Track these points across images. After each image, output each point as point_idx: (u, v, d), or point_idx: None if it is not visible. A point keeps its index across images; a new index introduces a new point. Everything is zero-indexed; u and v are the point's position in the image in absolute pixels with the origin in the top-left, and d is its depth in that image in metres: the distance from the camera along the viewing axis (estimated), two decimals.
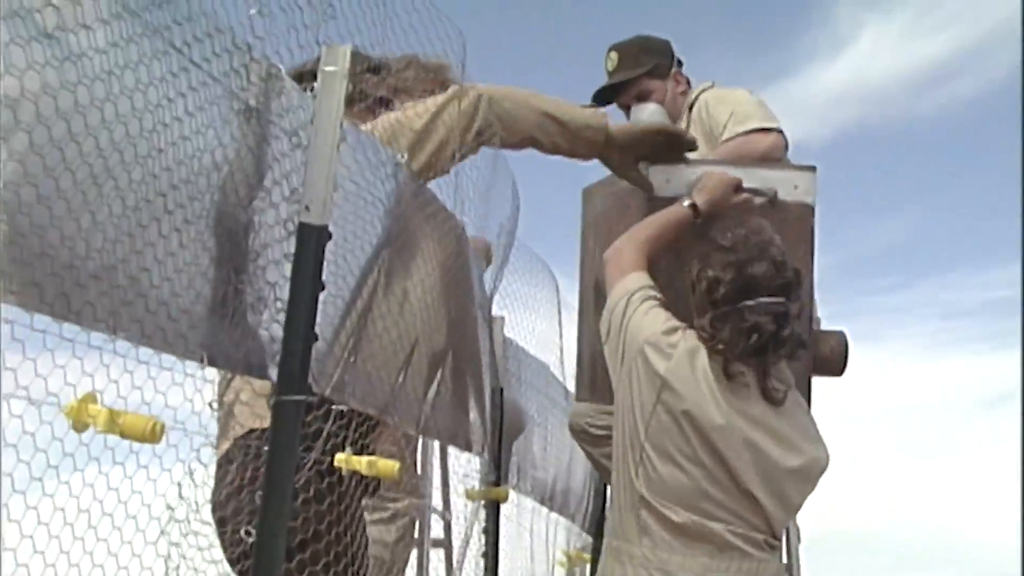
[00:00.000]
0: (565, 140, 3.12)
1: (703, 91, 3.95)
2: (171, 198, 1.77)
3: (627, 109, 3.95)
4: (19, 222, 1.44)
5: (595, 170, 3.35)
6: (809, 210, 3.31)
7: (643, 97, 3.93)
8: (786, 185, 3.30)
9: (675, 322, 2.86)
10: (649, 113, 3.79)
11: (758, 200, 3.26)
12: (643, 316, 2.85)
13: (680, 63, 4.08)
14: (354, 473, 2.44)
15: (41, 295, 1.51)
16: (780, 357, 2.85)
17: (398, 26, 2.68)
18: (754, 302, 2.76)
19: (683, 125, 3.93)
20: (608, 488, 3.04)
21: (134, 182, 1.65)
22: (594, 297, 3.47)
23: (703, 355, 2.80)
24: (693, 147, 3.33)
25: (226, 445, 2.57)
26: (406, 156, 2.76)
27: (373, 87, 2.94)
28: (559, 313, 4.93)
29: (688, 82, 4.05)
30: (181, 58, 1.75)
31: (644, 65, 3.96)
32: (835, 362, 3.46)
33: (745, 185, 3.25)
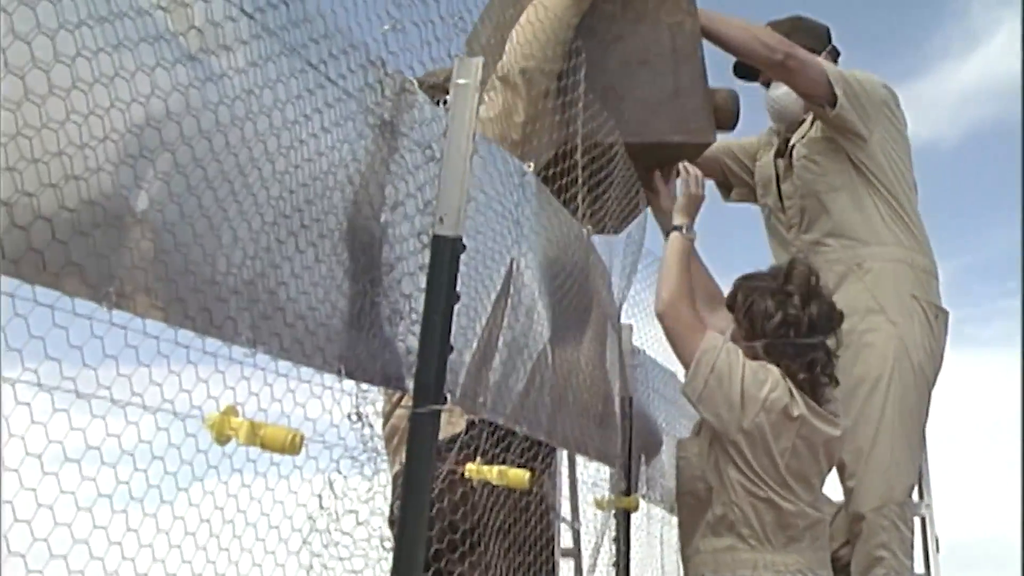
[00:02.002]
0: None
1: None
2: (307, 213, 1.79)
3: (767, 85, 3.93)
4: (164, 240, 1.47)
5: None
6: None
7: None
8: None
9: (769, 366, 3.09)
10: (783, 92, 3.83)
11: None
12: (752, 374, 3.04)
13: (837, 52, 4.01)
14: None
15: (185, 310, 1.55)
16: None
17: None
18: (814, 340, 3.08)
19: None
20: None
21: (272, 198, 1.68)
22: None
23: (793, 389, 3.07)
24: None
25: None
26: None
27: None
28: None
29: None
30: (317, 75, 1.78)
31: None
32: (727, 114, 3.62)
33: None
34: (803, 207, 3.90)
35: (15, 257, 1.25)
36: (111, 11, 1.31)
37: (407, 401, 2.70)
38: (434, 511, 2.26)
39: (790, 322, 3.08)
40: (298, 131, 1.72)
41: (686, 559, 3.17)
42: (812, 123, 3.91)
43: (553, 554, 2.84)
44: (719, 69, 3.84)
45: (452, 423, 2.51)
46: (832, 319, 3.13)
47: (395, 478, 2.63)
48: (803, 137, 3.91)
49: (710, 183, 4.14)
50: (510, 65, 3.14)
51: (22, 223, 1.25)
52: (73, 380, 1.45)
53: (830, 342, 3.12)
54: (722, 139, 4.22)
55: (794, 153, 3.90)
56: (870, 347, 3.54)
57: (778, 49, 3.64)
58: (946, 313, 3.85)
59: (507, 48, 3.19)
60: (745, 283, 3.24)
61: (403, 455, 2.61)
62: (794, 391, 3.02)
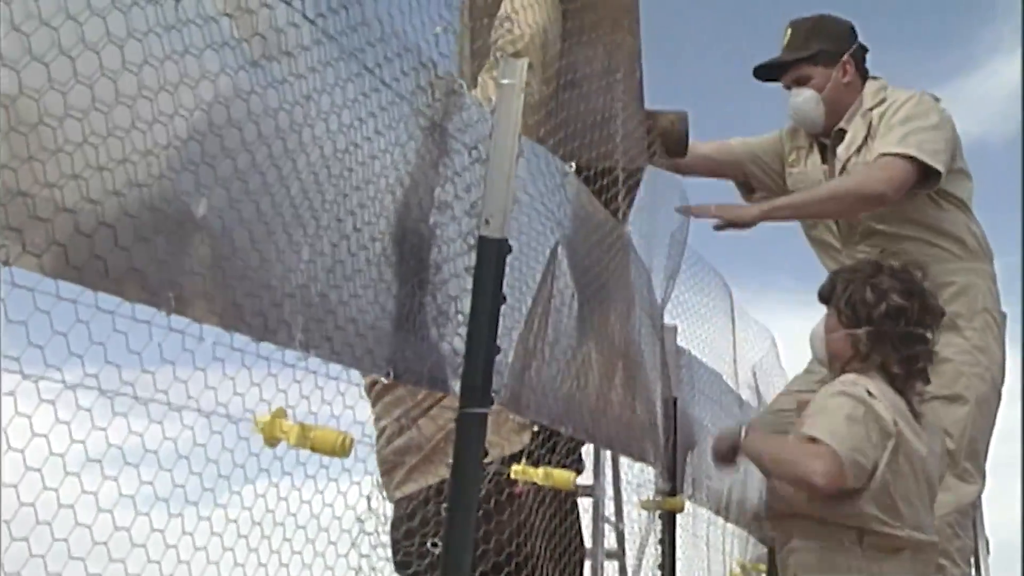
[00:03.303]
0: None
1: (885, 94, 3.80)
2: (360, 216, 1.79)
3: (789, 88, 3.88)
4: (222, 245, 1.47)
5: None
6: None
7: (801, 82, 3.83)
8: None
9: (855, 387, 2.99)
10: (803, 99, 3.77)
11: None
12: (859, 424, 2.93)
13: (863, 50, 3.93)
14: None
15: (241, 315, 1.55)
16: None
17: None
18: (918, 331, 3.06)
19: (851, 118, 3.81)
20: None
21: (327, 202, 1.68)
22: None
23: (888, 391, 2.99)
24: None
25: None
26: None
27: None
28: (732, 322, 4.86)
29: (862, 73, 3.90)
30: (373, 79, 1.77)
31: (808, 50, 3.83)
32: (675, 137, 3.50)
33: None
34: (867, 225, 3.81)
35: (79, 264, 1.25)
36: (179, 18, 1.31)
37: (402, 436, 2.63)
38: (492, 526, 2.25)
39: (894, 311, 3.04)
40: (353, 135, 1.72)
41: (783, 561, 3.13)
42: (866, 138, 3.80)
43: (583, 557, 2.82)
44: (673, 91, 3.79)
45: (507, 439, 2.48)
46: (935, 313, 3.11)
47: (399, 503, 2.53)
48: (857, 151, 3.80)
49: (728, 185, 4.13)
50: (523, 33, 2.91)
51: (86, 230, 1.25)
52: (132, 385, 1.46)
53: (929, 335, 3.10)
54: (741, 140, 4.15)
55: (849, 170, 3.79)
56: (946, 363, 3.51)
57: (879, 195, 3.59)
58: (1005, 316, 3.83)
59: (501, 20, 2.95)
60: (842, 274, 3.22)
61: (408, 485, 2.53)
62: (885, 402, 2.96)
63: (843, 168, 3.79)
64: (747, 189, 4.23)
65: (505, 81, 2.24)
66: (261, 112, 1.48)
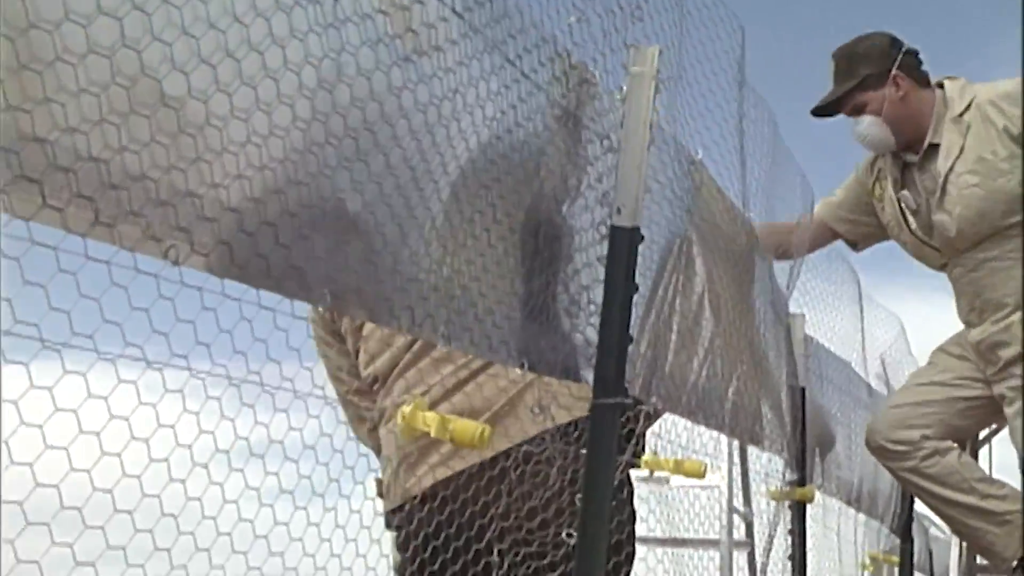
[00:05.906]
0: None
1: (974, 91, 3.68)
2: (500, 208, 1.79)
3: (852, 115, 3.79)
4: (374, 240, 1.49)
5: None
6: None
7: (858, 110, 3.73)
8: None
9: None
10: (865, 126, 3.68)
11: None
12: None
13: (913, 53, 3.79)
14: None
15: (391, 309, 1.56)
16: None
17: (691, 24, 2.64)
18: None
19: (938, 127, 3.68)
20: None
21: (471, 194, 1.68)
22: None
23: None
24: None
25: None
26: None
27: None
28: (860, 309, 4.77)
29: (918, 78, 3.77)
30: (514, 71, 1.77)
31: (855, 77, 3.72)
32: None
33: None
34: (976, 231, 3.65)
35: (243, 262, 1.27)
36: (336, 17, 1.33)
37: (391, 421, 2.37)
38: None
39: None
40: (496, 127, 1.72)
41: None
42: (963, 146, 3.64)
43: None
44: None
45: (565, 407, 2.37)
46: None
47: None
48: (957, 157, 3.62)
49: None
50: None
51: (250, 229, 1.27)
52: (258, 373, 1.46)
53: None
54: (821, 202, 4.03)
55: (954, 181, 3.63)
56: None
57: None
58: None
59: None
60: None
61: (443, 468, 2.36)
62: None
63: (945, 180, 3.63)
64: (852, 243, 4.12)
65: (635, 69, 2.22)
66: (412, 107, 1.49)
